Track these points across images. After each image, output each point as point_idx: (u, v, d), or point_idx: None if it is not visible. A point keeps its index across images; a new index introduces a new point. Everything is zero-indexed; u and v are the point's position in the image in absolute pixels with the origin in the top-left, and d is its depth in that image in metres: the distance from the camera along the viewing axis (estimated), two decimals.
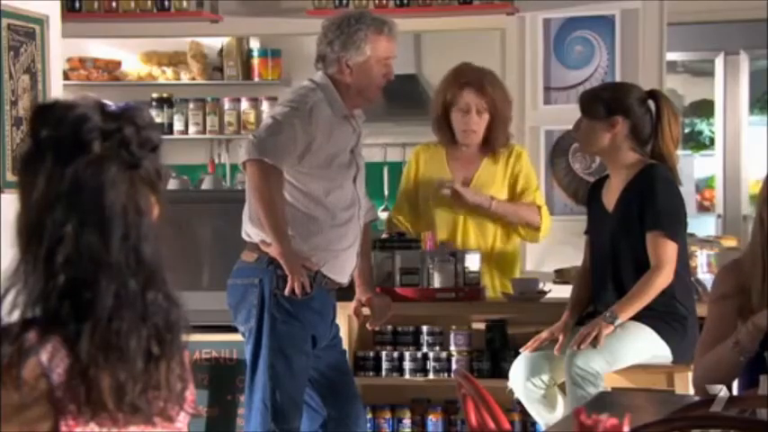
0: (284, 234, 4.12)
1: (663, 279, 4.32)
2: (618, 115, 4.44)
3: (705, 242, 6.05)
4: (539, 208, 4.99)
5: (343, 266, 4.28)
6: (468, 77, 4.98)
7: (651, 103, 4.49)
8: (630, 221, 4.40)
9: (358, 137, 4.33)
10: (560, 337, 4.42)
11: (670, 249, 4.34)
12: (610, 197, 4.49)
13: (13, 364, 1.75)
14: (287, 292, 4.12)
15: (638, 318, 4.33)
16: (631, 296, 4.32)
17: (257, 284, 4.17)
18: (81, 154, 1.81)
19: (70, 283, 1.78)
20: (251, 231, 4.22)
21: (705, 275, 5.19)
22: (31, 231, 1.80)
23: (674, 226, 4.39)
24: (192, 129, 8.17)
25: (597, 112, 4.47)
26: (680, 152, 4.72)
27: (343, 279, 4.31)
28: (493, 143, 4.95)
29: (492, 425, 3.23)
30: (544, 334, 4.44)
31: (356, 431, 4.38)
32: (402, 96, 8.42)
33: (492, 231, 4.98)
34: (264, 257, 4.17)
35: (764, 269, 3.20)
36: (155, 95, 8.15)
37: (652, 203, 4.36)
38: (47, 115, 1.83)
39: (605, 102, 4.47)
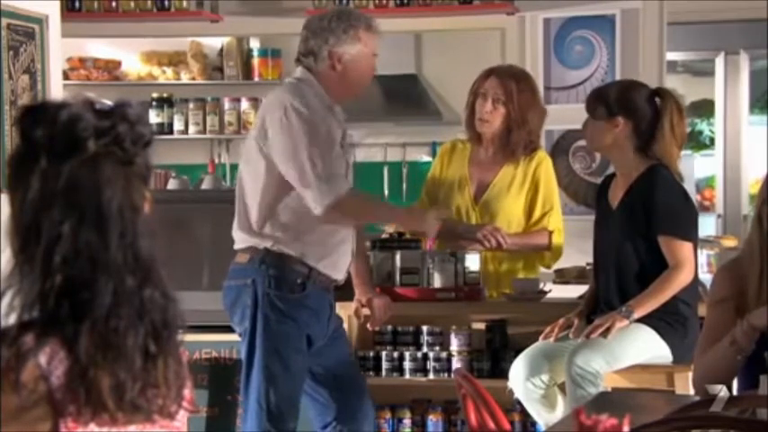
0: (391, 209, 4.42)
1: (683, 277, 4.33)
2: (620, 116, 4.44)
3: (705, 242, 6.06)
4: (550, 233, 4.90)
5: (338, 262, 4.26)
6: (497, 68, 4.98)
7: (658, 102, 4.48)
8: (633, 223, 4.39)
9: (344, 132, 4.31)
10: (575, 321, 4.43)
11: (684, 249, 4.35)
12: (615, 195, 4.50)
13: (11, 367, 1.75)
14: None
15: (639, 318, 4.33)
16: (649, 293, 4.33)
17: (250, 285, 4.16)
18: (76, 153, 1.80)
19: (68, 282, 1.78)
20: (238, 237, 4.23)
21: (705, 275, 5.19)
22: (26, 232, 1.80)
23: (683, 226, 4.39)
24: (191, 129, 8.18)
25: (600, 113, 4.47)
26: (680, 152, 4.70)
27: (339, 275, 4.29)
28: (512, 146, 4.88)
29: (492, 425, 3.23)
30: (561, 320, 4.46)
31: (365, 425, 4.37)
32: (402, 96, 8.44)
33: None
34: (256, 258, 4.16)
35: (762, 268, 3.20)
36: (155, 95, 8.16)
37: (655, 207, 4.36)
38: (38, 115, 1.82)
39: (608, 102, 4.46)
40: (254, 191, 4.18)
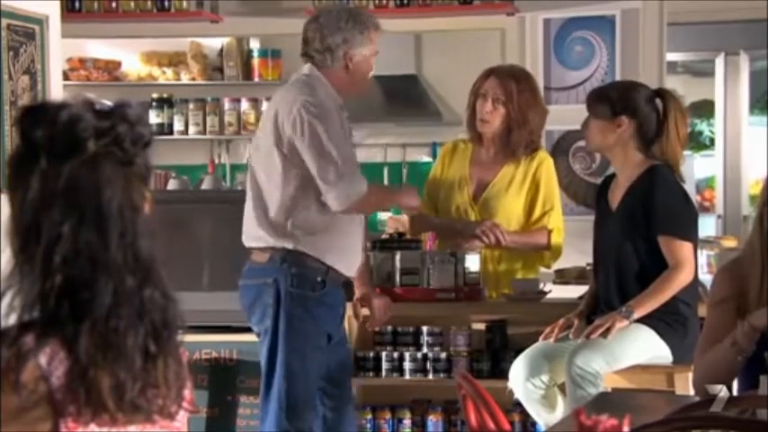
0: (392, 196, 4.65)
1: (683, 277, 4.33)
2: (623, 115, 4.44)
3: (705, 242, 6.05)
4: (549, 232, 4.90)
5: (351, 259, 4.29)
6: (497, 68, 4.99)
7: (659, 102, 4.48)
8: (632, 223, 4.40)
9: (350, 130, 4.35)
10: (575, 321, 4.44)
11: (684, 249, 4.35)
12: (614, 196, 4.50)
13: (11, 367, 1.75)
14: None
15: (639, 318, 4.33)
16: (649, 293, 4.33)
17: (272, 284, 4.17)
18: (76, 153, 1.81)
19: (68, 282, 1.78)
20: (257, 235, 4.22)
21: (705, 276, 5.19)
22: (26, 232, 1.80)
23: (682, 226, 4.40)
24: (191, 129, 8.17)
25: (603, 112, 4.47)
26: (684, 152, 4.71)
27: (351, 272, 4.32)
28: (513, 146, 4.89)
29: (492, 425, 3.22)
30: (561, 321, 4.46)
31: (349, 430, 4.39)
32: (402, 97, 8.44)
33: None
34: (277, 256, 4.18)
35: (763, 268, 3.20)
36: (155, 96, 8.16)
37: (655, 207, 4.36)
38: (38, 116, 1.82)
39: (611, 101, 4.47)
40: (271, 190, 4.20)
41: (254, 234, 4.23)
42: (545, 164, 4.93)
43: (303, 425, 4.20)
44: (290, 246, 4.17)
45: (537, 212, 4.90)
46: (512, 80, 4.87)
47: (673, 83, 7.95)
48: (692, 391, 3.59)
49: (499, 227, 4.79)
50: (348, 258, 4.27)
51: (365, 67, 4.31)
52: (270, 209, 4.20)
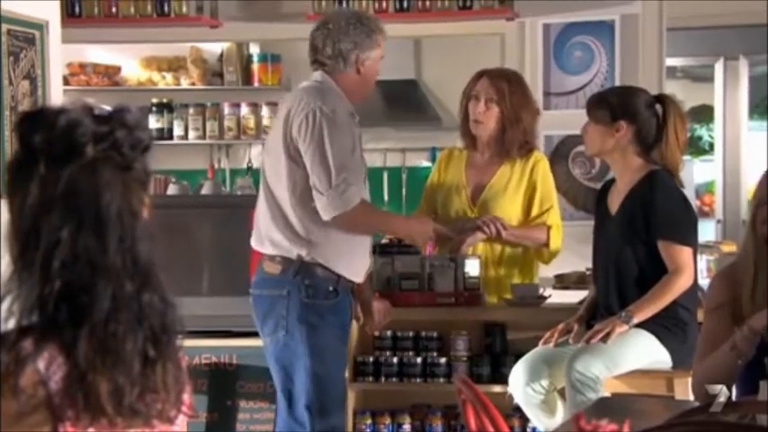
0: (393, 221, 4.71)
1: (682, 282, 4.33)
2: (623, 120, 4.45)
3: (705, 247, 6.04)
4: (548, 228, 4.91)
5: (358, 266, 4.30)
6: (488, 70, 5.01)
7: (658, 108, 4.49)
8: (632, 228, 4.40)
9: (360, 136, 4.35)
10: (575, 326, 4.44)
11: (684, 254, 4.36)
12: (614, 201, 4.51)
13: (10, 372, 1.75)
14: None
15: (639, 323, 4.33)
16: (649, 298, 4.33)
17: (285, 296, 4.19)
18: (74, 158, 1.81)
19: (66, 287, 1.78)
20: (277, 238, 4.22)
21: (705, 281, 5.18)
22: (25, 237, 1.80)
23: (682, 231, 4.40)
24: (191, 134, 8.18)
25: (602, 117, 4.48)
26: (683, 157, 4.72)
27: (360, 278, 4.33)
28: (507, 146, 4.91)
29: (492, 430, 3.22)
30: (561, 325, 4.46)
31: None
32: (402, 102, 8.43)
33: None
34: (290, 269, 4.19)
35: (755, 271, 3.20)
36: (154, 101, 8.16)
37: (654, 212, 4.37)
38: (37, 121, 1.82)
39: (611, 106, 4.48)
40: (281, 192, 4.22)
41: (269, 237, 4.24)
42: (541, 164, 4.95)
43: (336, 421, 4.26)
44: (303, 253, 4.18)
45: (535, 211, 4.91)
46: (503, 80, 4.90)
47: (672, 88, 7.92)
48: (691, 396, 3.59)
49: (500, 219, 4.81)
50: (357, 265, 4.29)
51: (374, 71, 4.34)
52: (285, 212, 4.21)
